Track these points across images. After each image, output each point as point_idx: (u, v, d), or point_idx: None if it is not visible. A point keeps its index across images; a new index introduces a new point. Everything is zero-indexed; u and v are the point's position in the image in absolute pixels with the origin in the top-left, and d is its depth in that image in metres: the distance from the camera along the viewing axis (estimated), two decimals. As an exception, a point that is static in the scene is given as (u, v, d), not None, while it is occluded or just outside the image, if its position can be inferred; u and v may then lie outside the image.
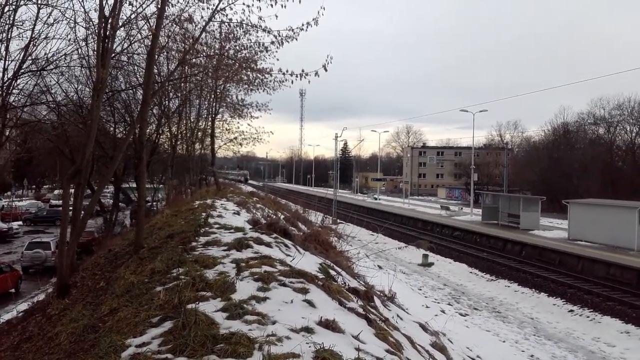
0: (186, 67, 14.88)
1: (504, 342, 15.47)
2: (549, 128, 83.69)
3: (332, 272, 8.05)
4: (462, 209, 55.74)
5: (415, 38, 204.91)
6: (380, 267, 18.71)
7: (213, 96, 23.54)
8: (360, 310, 6.00)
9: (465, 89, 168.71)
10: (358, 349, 4.11)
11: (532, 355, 14.58)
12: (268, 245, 8.21)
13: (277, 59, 12.00)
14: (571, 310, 20.52)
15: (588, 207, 32.52)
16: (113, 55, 11.82)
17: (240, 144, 27.56)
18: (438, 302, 19.67)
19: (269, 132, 26.36)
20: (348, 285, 7.76)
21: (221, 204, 14.78)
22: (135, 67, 20.13)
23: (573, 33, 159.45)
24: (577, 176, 64.08)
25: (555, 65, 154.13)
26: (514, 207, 38.89)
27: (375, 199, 74.25)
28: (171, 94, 22.88)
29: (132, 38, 14.42)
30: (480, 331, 15.95)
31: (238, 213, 13.18)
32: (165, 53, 17.15)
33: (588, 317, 19.62)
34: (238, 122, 24.94)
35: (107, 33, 9.90)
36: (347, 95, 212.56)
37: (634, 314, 19.18)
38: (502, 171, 73.30)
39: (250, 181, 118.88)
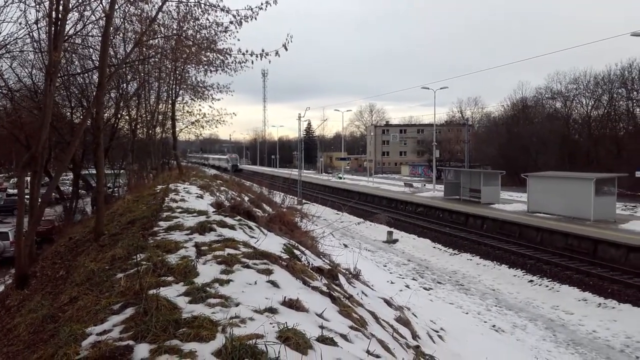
0: (143, 49, 14.52)
1: (467, 313, 15.88)
2: (508, 103, 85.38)
3: (297, 252, 8.09)
4: (425, 185, 56.54)
5: (379, 17, 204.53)
6: (345, 246, 18.86)
7: (172, 78, 23.09)
8: (325, 289, 6.07)
9: (427, 67, 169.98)
10: (322, 327, 4.16)
11: (494, 325, 15.02)
12: (232, 227, 8.17)
13: (238, 39, 11.85)
14: (531, 281, 21.19)
15: (546, 180, 33.39)
16: (66, 38, 11.43)
17: (203, 127, 27.16)
18: (403, 278, 20.01)
19: (231, 113, 26.05)
20: (312, 264, 7.83)
21: (184, 188, 14.61)
22: (90, 50, 19.54)
23: (530, 11, 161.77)
24: (536, 150, 65.60)
25: (515, 42, 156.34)
26: (475, 182, 39.64)
27: (340, 178, 74.58)
28: (129, 76, 22.34)
29: (85, 20, 13.96)
30: (443, 304, 16.31)
31: (201, 196, 13.06)
32: (121, 34, 16.69)
33: (547, 286, 20.29)
34: (200, 105, 24.52)
35: (59, 15, 9.58)
36: (310, 76, 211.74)
37: (590, 282, 19.92)
38: (464, 147, 74.43)
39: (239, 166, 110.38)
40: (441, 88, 53.46)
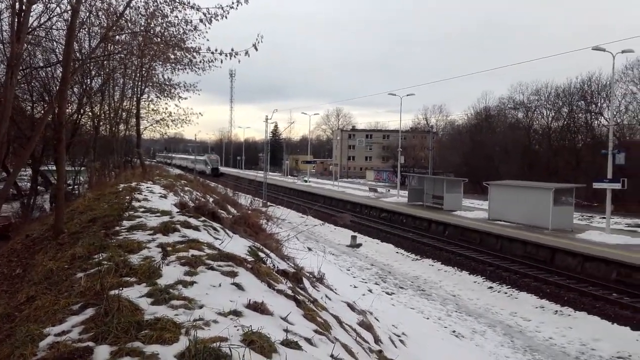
0: (109, 44, 14.25)
1: (427, 318, 16.06)
2: (472, 112, 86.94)
3: (262, 255, 8.04)
4: (389, 190, 57.04)
5: (348, 21, 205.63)
6: (309, 249, 18.89)
7: (138, 75, 22.72)
8: (289, 292, 6.05)
9: (394, 74, 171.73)
10: (286, 330, 4.15)
11: (454, 331, 15.23)
12: (196, 228, 8.08)
13: (207, 39, 11.76)
14: (491, 287, 21.58)
15: (507, 189, 34.11)
16: (30, 30, 11.13)
17: (168, 126, 26.78)
18: (366, 282, 20.13)
19: (198, 113, 25.76)
20: (277, 267, 7.79)
21: (147, 187, 14.37)
22: (55, 43, 19.08)
23: (497, 23, 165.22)
24: (498, 159, 66.89)
25: (481, 52, 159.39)
26: (438, 189, 40.20)
27: (306, 181, 74.58)
28: (93, 72, 21.87)
29: (50, 12, 13.62)
30: (405, 309, 16.47)
31: (165, 196, 12.87)
32: (86, 29, 16.35)
33: (506, 293, 20.70)
34: (166, 103, 24.19)
35: (23, 6, 9.31)
36: (278, 78, 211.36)
37: (547, 289, 20.40)
38: (428, 154, 75.45)
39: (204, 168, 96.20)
40: (407, 95, 54.08)
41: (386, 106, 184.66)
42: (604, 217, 30.52)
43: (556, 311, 18.26)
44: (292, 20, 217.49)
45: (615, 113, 53.17)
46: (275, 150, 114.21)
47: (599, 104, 63.66)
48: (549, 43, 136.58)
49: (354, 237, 31.43)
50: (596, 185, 30.14)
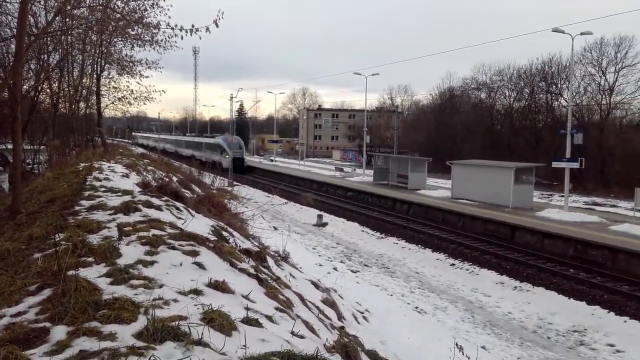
0: (67, 19, 13.81)
1: (391, 295, 16.34)
2: (436, 92, 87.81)
3: (225, 234, 8.03)
4: (355, 170, 57.41)
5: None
6: (275, 228, 18.90)
7: (98, 51, 22.10)
8: (252, 271, 6.06)
9: (360, 52, 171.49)
10: (247, 308, 4.17)
11: (416, 307, 15.55)
12: (158, 208, 7.99)
13: (169, 17, 11.49)
14: (453, 264, 22.05)
15: (469, 168, 34.70)
16: (-20, 2, 10.70)
17: (130, 103, 26.16)
18: (331, 260, 20.30)
19: (160, 91, 25.18)
20: (241, 246, 7.80)
21: (108, 167, 14.11)
22: (8, 17, 18.36)
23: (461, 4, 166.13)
24: (461, 138, 67.79)
25: (445, 33, 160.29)
26: (403, 168, 40.63)
27: (272, 160, 74.35)
28: (50, 47, 21.18)
29: (2, -16, 13.11)
30: (369, 286, 16.70)
31: (127, 176, 12.67)
32: (42, 2, 15.80)
33: (467, 270, 21.19)
34: (127, 81, 23.60)
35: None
36: (244, 55, 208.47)
37: (507, 266, 20.96)
38: (393, 133, 76.05)
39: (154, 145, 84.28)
40: (373, 74, 54.23)
41: (352, 86, 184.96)
42: (563, 196, 31.41)
43: (515, 287, 18.80)
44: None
45: (574, 94, 54.46)
46: (242, 129, 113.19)
47: (559, 85, 65.05)
48: (511, 25, 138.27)
49: (320, 216, 31.59)
50: (555, 164, 30.93)
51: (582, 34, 29.30)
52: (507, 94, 73.05)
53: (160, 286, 4.21)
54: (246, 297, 4.58)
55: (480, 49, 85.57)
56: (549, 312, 16.28)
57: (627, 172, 52.32)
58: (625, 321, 15.31)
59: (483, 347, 12.25)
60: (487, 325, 15.04)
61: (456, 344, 9.93)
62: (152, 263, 4.86)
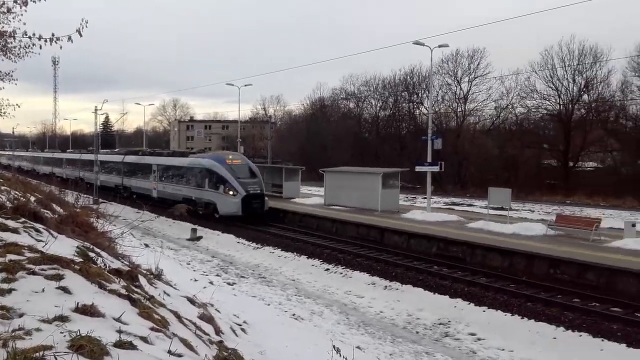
0: None
1: (269, 305, 16.45)
2: (308, 102, 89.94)
3: (92, 255, 7.64)
4: (229, 181, 56.75)
5: (182, 10, 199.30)
6: (147, 245, 18.28)
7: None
8: (123, 291, 5.85)
9: (232, 63, 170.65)
10: (120, 331, 4.04)
11: (294, 314, 15.80)
12: (14, 231, 7.41)
13: (24, 23, 10.67)
14: (327, 269, 22.69)
15: (340, 175, 35.95)
16: None
17: (-23, 119, 23.60)
18: (207, 274, 20.00)
19: (15, 105, 23.16)
20: (110, 266, 7.47)
21: (-47, 188, 12.79)
22: None
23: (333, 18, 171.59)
24: (332, 147, 70.07)
25: (314, 44, 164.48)
26: (277, 178, 41.06)
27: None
28: None
29: None
30: (247, 297, 16.69)
31: (-24, 197, 11.55)
32: None
33: (341, 273, 21.91)
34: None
35: None
36: (109, 66, 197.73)
37: (378, 267, 21.98)
38: (267, 144, 76.56)
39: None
40: (245, 85, 54.38)
41: (225, 97, 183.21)
42: (426, 198, 33.62)
43: (386, 286, 19.77)
44: (129, 10, 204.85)
45: (433, 102, 58.53)
46: (108, 143, 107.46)
47: (420, 94, 69.64)
48: (377, 37, 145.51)
49: (194, 230, 30.93)
50: (418, 168, 33.07)
51: (439, 46, 31.70)
52: (373, 104, 76.87)
53: (21, 315, 3.95)
54: (118, 320, 4.44)
55: (349, 60, 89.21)
56: (417, 308, 17.31)
57: (480, 174, 57.42)
58: (484, 311, 16.71)
59: (358, 347, 12.77)
60: (361, 325, 15.67)
61: (333, 347, 10.23)
62: (9, 291, 4.53)
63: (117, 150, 68.43)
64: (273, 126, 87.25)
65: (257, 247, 27.61)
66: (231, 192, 31.96)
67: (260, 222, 32.00)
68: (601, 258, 18.98)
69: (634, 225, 23.48)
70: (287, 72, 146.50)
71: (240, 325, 11.01)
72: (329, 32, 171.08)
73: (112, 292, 5.64)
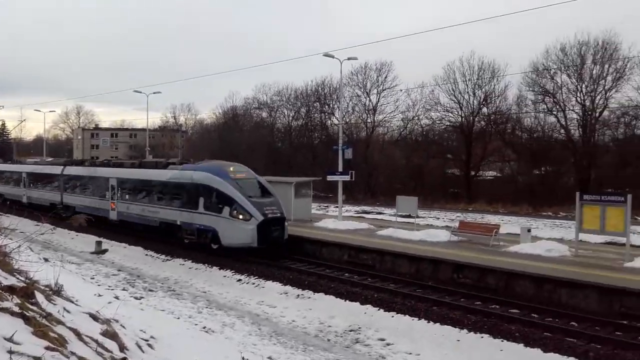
0: None
1: (178, 318, 16.04)
2: (220, 111, 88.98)
3: (-19, 272, 7.17)
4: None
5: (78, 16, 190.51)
6: (46, 260, 17.28)
7: None
8: (17, 309, 5.54)
9: (142, 70, 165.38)
10: (11, 352, 3.85)
11: (204, 327, 15.48)
12: None
13: None
14: (239, 280, 22.47)
15: (253, 185, 35.64)
16: None
17: None
18: (112, 289, 19.20)
19: None
20: (3, 283, 7.04)
21: None
22: None
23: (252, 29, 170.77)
24: (245, 156, 69.60)
25: (227, 52, 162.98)
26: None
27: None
28: None
29: None
30: (155, 312, 16.20)
31: None
32: None
33: (254, 284, 21.77)
34: None
35: None
36: (4, 71, 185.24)
37: (290, 276, 22.04)
38: (177, 152, 74.82)
39: None
40: (154, 93, 53.00)
41: (133, 104, 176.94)
42: (337, 206, 34.18)
43: (298, 295, 19.86)
44: (29, 11, 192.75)
45: (344, 113, 59.79)
46: (4, 151, 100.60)
47: (331, 105, 70.85)
48: (289, 48, 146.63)
49: (99, 243, 29.56)
50: (329, 177, 33.67)
51: (349, 59, 32.56)
52: (286, 113, 77.29)
53: None
54: (9, 340, 4.21)
55: (262, 70, 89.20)
56: (329, 315, 17.52)
57: (389, 183, 59.30)
58: (392, 316, 17.19)
59: (270, 358, 12.74)
60: (273, 335, 15.64)
61: (242, 358, 10.20)
62: None
63: (50, 160, 60.11)
64: (184, 135, 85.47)
65: (167, 259, 26.85)
66: (241, 216, 24.20)
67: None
68: (500, 262, 20.17)
69: (529, 230, 25.20)
70: (199, 80, 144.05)
71: (146, 340, 10.68)
72: (241, 41, 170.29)
73: (4, 310, 5.32)
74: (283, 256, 24.93)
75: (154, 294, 19.95)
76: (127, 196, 32.23)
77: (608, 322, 15.81)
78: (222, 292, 20.91)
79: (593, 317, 16.18)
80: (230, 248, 24.92)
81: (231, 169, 26.95)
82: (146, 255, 28.05)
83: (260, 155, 68.17)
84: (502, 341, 14.76)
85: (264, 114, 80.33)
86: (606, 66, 50.25)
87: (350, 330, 16.40)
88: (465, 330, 15.61)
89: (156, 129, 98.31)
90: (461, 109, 60.15)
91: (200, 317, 16.87)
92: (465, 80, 58.89)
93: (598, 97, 51.53)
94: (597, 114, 52.29)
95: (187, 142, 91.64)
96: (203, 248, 26.55)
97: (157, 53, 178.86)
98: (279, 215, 25.20)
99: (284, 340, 15.32)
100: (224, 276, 23.10)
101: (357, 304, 18.38)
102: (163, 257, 27.36)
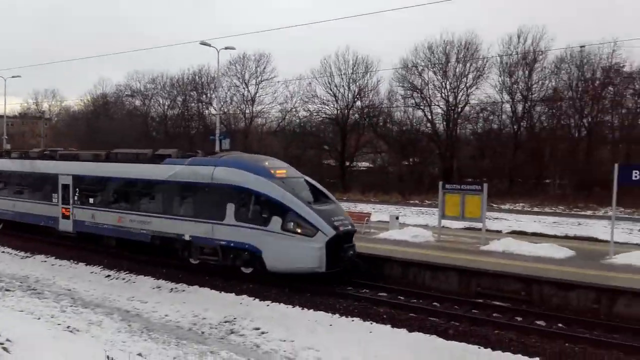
0: None
1: (39, 319, 15.05)
2: (89, 98, 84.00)
3: None
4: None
5: None
6: None
7: None
8: None
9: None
10: None
11: (68, 327, 14.64)
12: None
13: None
14: (108, 276, 21.44)
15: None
16: None
17: None
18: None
19: None
20: None
21: None
22: None
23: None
24: (116, 145, 66.49)
25: (96, 37, 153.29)
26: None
27: None
28: None
29: None
30: (12, 312, 15.08)
31: None
32: None
33: (124, 279, 20.88)
34: None
35: None
36: None
37: (164, 270, 21.40)
38: (40, 141, 69.64)
39: None
40: (13, 77, 48.77)
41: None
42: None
43: (172, 289, 19.37)
44: None
45: (222, 103, 59.08)
46: None
47: (208, 95, 69.71)
48: (163, 36, 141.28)
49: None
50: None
51: (226, 48, 32.23)
52: (161, 102, 74.72)
53: None
54: None
55: (134, 56, 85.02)
56: (203, 308, 17.24)
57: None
58: (267, 305, 17.32)
59: (139, 354, 12.34)
60: (144, 331, 15.12)
61: (107, 357, 9.83)
62: None
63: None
64: (47, 122, 79.60)
65: (27, 256, 24.94)
66: (300, 230, 17.69)
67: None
68: (370, 248, 21.10)
69: (397, 218, 26.66)
70: (64, 65, 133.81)
71: (2, 344, 10.01)
72: (110, 25, 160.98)
73: None
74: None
75: (12, 294, 18.46)
76: (91, 200, 24.31)
77: (466, 301, 17.24)
78: (89, 289, 19.82)
79: (454, 298, 17.58)
80: (278, 273, 18.63)
81: (266, 163, 20.01)
82: (2, 252, 25.86)
83: (133, 144, 65.45)
84: (372, 324, 15.45)
85: (138, 102, 77.06)
86: (468, 65, 54.46)
87: (226, 322, 16.26)
88: (337, 315, 16.14)
89: (15, 115, 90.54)
90: (337, 102, 62.04)
91: (64, 317, 15.90)
92: (341, 74, 60.75)
93: (460, 94, 55.96)
94: (460, 109, 56.64)
95: (51, 131, 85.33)
96: (225, 271, 20.21)
97: (16, 33, 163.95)
98: (349, 228, 18.90)
99: (155, 335, 14.88)
100: (92, 272, 21.94)
101: (233, 294, 18.27)
102: (22, 253, 25.38)
